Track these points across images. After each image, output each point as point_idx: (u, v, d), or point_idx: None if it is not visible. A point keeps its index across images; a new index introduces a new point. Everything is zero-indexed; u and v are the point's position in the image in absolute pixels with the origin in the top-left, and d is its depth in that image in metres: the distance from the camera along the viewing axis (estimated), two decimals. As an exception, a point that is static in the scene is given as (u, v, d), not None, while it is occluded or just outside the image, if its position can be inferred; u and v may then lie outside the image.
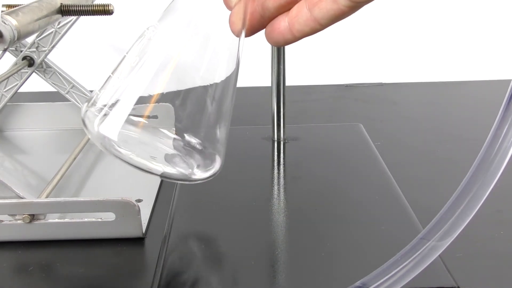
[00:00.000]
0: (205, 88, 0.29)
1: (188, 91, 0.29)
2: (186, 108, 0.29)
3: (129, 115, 0.28)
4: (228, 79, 0.30)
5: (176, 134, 0.29)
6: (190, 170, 0.30)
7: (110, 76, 0.29)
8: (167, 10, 0.30)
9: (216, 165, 0.31)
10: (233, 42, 0.30)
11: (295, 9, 0.29)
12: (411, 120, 0.70)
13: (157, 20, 0.30)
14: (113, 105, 0.28)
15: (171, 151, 0.29)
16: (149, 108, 0.28)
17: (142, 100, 0.28)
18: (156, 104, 0.28)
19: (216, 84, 0.30)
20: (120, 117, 0.28)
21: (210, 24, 0.30)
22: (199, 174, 0.30)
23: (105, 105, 0.28)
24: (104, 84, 0.29)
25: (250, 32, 0.30)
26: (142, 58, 0.29)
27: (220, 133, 0.31)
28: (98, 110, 0.28)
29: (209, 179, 0.31)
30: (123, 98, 0.28)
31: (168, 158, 0.29)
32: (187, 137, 0.29)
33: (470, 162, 0.27)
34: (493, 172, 0.26)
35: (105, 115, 0.28)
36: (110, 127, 0.28)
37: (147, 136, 0.29)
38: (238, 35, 0.30)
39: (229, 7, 0.29)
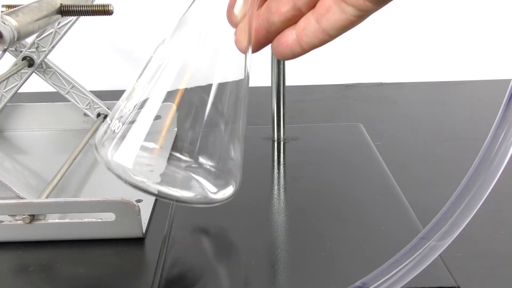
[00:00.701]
0: (215, 107, 0.29)
1: (198, 112, 0.29)
2: (197, 130, 0.29)
3: (143, 142, 0.28)
4: (238, 97, 0.30)
5: (189, 157, 0.29)
6: (207, 193, 0.29)
7: (120, 104, 0.29)
8: (175, 30, 0.30)
9: (233, 186, 0.31)
10: (240, 59, 0.29)
11: (302, 21, 0.29)
12: (411, 120, 0.70)
13: (164, 41, 0.30)
14: (126, 132, 0.28)
15: (186, 175, 0.29)
16: (162, 134, 0.28)
17: (154, 125, 0.28)
18: (168, 129, 0.28)
19: (226, 102, 0.29)
20: (134, 145, 0.28)
21: (218, 42, 0.30)
22: (217, 196, 0.30)
23: (118, 132, 0.28)
24: (116, 111, 0.29)
25: (256, 48, 0.30)
26: (151, 83, 0.28)
27: (235, 152, 0.30)
28: (111, 138, 0.28)
29: (227, 200, 0.30)
30: (135, 125, 0.28)
31: (184, 183, 0.29)
32: (201, 159, 0.29)
33: (470, 162, 0.27)
34: (493, 171, 0.26)
35: (118, 142, 0.28)
36: (124, 155, 0.28)
37: (161, 162, 0.29)
38: (244, 52, 0.29)
39: (233, 24, 0.29)
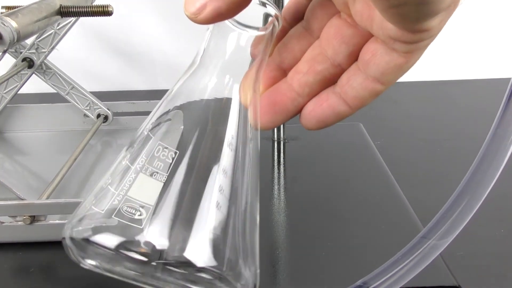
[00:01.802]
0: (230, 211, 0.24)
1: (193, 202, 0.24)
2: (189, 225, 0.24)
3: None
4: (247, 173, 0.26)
5: (184, 269, 0.24)
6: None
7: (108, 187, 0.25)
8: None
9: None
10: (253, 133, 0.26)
11: (344, 76, 0.24)
12: (411, 120, 0.70)
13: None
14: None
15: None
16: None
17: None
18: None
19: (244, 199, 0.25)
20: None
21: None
22: None
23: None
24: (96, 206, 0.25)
25: (283, 118, 0.26)
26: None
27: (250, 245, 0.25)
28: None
29: None
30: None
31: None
32: (201, 268, 0.24)
33: (470, 161, 0.27)
34: (493, 170, 0.26)
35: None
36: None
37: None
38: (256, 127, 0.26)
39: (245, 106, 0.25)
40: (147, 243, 0.24)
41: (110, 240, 0.24)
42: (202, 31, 0.26)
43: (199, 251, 0.24)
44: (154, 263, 0.24)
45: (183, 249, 0.24)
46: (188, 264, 0.23)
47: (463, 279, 0.37)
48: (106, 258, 0.25)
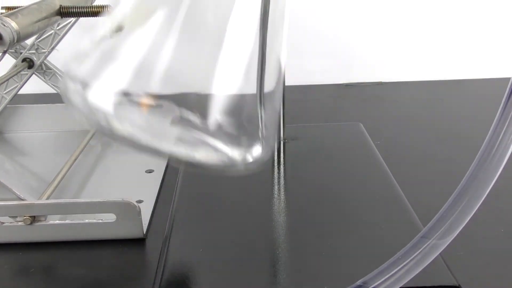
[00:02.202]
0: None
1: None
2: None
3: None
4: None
5: (200, 116, 0.20)
6: (228, 154, 0.21)
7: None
8: None
9: (254, 149, 0.22)
10: None
11: None
12: (411, 119, 0.70)
13: None
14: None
15: (199, 137, 0.21)
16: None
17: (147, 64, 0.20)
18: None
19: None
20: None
21: None
22: (241, 157, 0.22)
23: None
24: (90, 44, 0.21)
25: None
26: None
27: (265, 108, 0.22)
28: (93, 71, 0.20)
29: (256, 163, 0.22)
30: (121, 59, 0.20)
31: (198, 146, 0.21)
32: (216, 119, 0.20)
33: (470, 160, 0.27)
34: (493, 170, 0.26)
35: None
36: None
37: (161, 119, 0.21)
38: None
39: None
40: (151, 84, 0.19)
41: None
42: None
43: (214, 101, 0.20)
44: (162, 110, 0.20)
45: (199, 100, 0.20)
46: (202, 116, 0.20)
47: (463, 279, 0.37)
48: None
